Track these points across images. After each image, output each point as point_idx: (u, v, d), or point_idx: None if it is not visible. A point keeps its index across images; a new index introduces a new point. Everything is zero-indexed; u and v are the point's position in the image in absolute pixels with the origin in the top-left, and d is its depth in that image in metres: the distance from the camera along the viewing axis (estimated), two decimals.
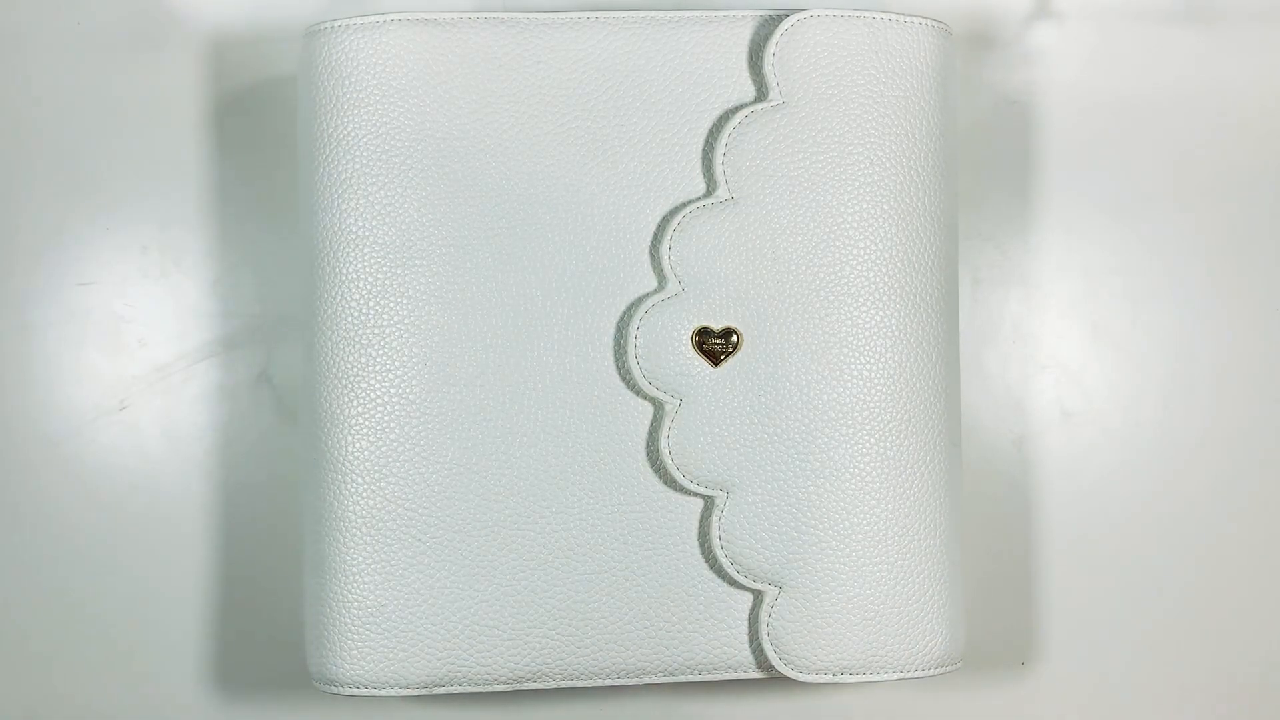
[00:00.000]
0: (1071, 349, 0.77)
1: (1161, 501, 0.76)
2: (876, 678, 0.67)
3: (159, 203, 0.75)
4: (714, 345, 0.67)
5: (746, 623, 0.67)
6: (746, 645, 0.67)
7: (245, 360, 0.75)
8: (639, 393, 0.67)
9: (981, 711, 0.75)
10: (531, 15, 0.68)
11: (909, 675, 0.67)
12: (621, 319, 0.67)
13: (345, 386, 0.66)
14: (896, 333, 0.67)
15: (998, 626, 0.75)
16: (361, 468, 0.66)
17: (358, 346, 0.66)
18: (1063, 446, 0.76)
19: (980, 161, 0.75)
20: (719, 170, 0.67)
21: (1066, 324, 0.77)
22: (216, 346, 0.75)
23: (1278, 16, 0.77)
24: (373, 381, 0.66)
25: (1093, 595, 0.76)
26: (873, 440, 0.67)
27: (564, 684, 0.67)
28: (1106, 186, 0.77)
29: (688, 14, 0.68)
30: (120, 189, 0.75)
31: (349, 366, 0.66)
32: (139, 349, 0.75)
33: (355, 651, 0.66)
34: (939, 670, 0.68)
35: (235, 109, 0.75)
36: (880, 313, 0.67)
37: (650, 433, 0.67)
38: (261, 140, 0.75)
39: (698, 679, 0.68)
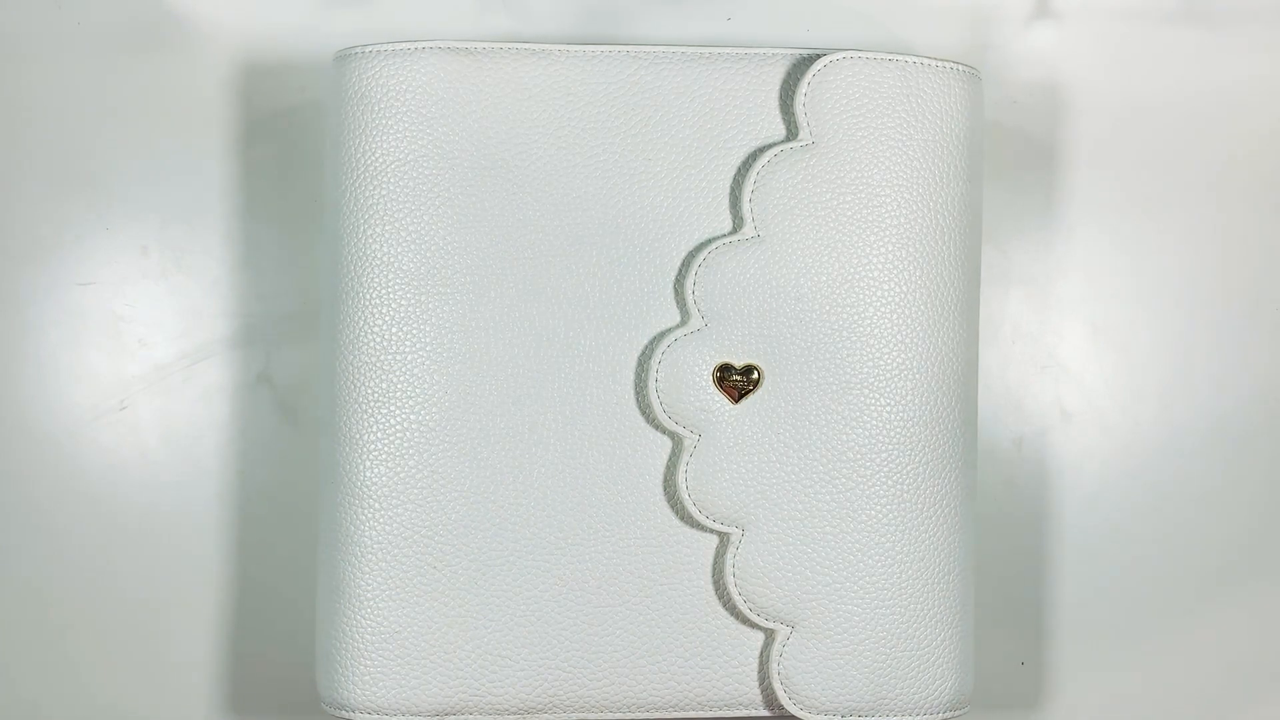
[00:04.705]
0: (1071, 349, 0.77)
1: (1162, 502, 0.77)
2: None
3: (159, 203, 0.74)
4: (735, 382, 0.67)
5: (757, 660, 0.68)
6: (756, 683, 0.68)
7: (245, 360, 0.75)
8: (658, 427, 0.67)
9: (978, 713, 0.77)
10: (562, 47, 0.67)
11: (917, 719, 0.68)
12: (643, 352, 0.67)
13: (365, 411, 0.66)
14: (918, 376, 0.67)
15: (997, 625, 0.76)
16: (378, 493, 0.66)
17: (379, 372, 0.66)
18: (1063, 446, 0.77)
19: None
20: (746, 207, 0.67)
21: (1066, 324, 0.77)
22: (216, 346, 0.75)
23: (1278, 16, 0.77)
24: (393, 407, 0.66)
25: (1093, 595, 0.76)
26: (891, 482, 0.67)
27: (574, 715, 0.68)
28: (1106, 186, 0.77)
29: (720, 50, 0.68)
30: (121, 189, 0.74)
31: (370, 391, 0.66)
32: (139, 349, 0.75)
33: (367, 676, 0.66)
34: (946, 714, 0.69)
35: (235, 108, 0.74)
36: (902, 355, 0.67)
37: (668, 467, 0.67)
38: (261, 139, 0.74)
39: (707, 715, 0.68)
